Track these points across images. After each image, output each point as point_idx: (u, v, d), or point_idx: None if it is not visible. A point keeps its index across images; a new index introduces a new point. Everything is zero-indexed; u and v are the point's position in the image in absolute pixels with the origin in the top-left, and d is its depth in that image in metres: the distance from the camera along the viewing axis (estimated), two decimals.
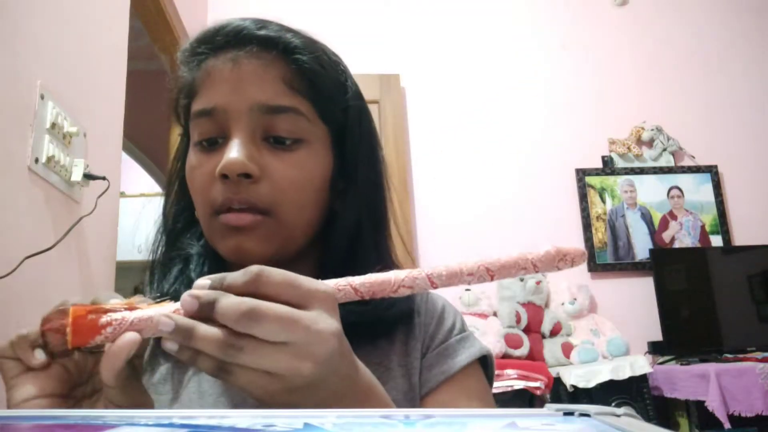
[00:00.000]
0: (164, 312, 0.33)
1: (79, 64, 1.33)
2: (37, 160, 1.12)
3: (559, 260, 0.38)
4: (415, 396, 0.55)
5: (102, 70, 1.47)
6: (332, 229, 0.56)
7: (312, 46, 0.54)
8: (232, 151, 0.50)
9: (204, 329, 0.32)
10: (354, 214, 0.56)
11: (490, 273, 0.38)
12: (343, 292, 0.37)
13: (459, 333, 0.60)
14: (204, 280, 0.34)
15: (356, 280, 0.37)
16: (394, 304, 0.56)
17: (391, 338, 0.57)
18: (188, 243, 0.58)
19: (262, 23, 0.54)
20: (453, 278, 0.38)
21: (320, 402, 0.35)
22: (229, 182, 0.50)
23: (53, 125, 1.17)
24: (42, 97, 1.14)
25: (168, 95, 0.59)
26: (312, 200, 0.54)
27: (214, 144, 0.53)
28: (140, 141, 3.61)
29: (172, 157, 0.62)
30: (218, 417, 0.25)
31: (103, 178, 1.31)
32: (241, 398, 0.52)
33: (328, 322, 0.34)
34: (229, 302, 0.32)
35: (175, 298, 0.47)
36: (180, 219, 0.60)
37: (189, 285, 0.54)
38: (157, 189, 4.21)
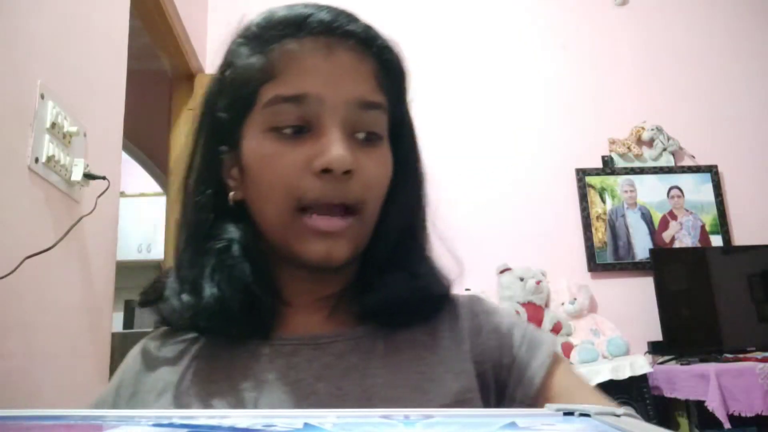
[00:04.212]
0: None
1: (79, 64, 1.33)
2: (37, 160, 1.12)
3: None
4: (467, 398, 0.50)
5: (102, 70, 1.47)
6: (384, 223, 0.55)
7: (398, 48, 0.55)
8: (337, 147, 0.48)
9: None
10: (406, 207, 0.57)
11: None
12: None
13: (520, 343, 0.55)
14: None
15: None
16: (435, 282, 0.57)
17: (434, 333, 0.55)
18: (224, 230, 0.54)
19: (351, 16, 0.53)
20: None
21: None
22: (329, 178, 0.48)
23: (53, 125, 1.17)
24: (42, 96, 1.14)
25: (223, 79, 0.54)
26: (382, 198, 0.54)
27: (299, 132, 0.50)
28: (140, 141, 3.61)
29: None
30: (218, 417, 0.25)
31: (103, 178, 1.31)
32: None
33: None
34: None
35: (220, 297, 0.50)
36: (208, 208, 0.54)
37: (230, 279, 0.51)
38: (158, 189, 4.21)
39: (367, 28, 0.53)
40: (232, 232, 0.54)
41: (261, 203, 0.52)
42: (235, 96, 0.53)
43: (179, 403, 0.50)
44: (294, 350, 0.52)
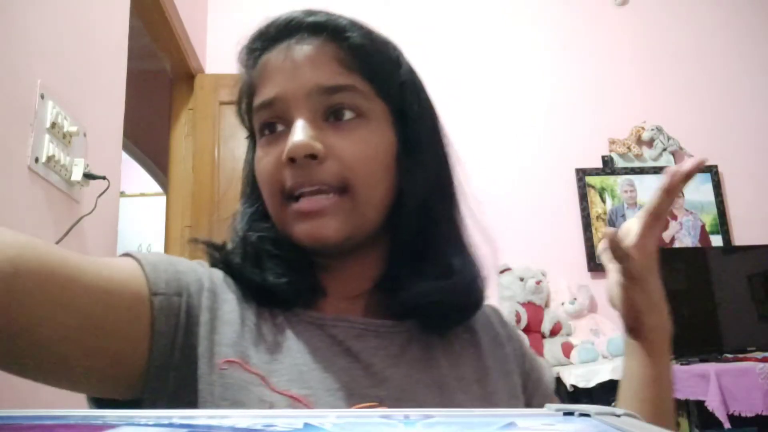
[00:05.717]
0: None
1: (79, 64, 1.33)
2: (37, 160, 1.12)
3: None
4: (517, 394, 0.58)
5: (102, 70, 1.47)
6: (402, 209, 0.55)
7: (360, 25, 0.56)
8: (297, 134, 0.50)
9: None
10: (422, 190, 0.55)
11: None
12: None
13: (532, 356, 0.65)
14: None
15: None
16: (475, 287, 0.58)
17: (473, 333, 0.60)
18: (263, 233, 0.56)
19: (310, 11, 0.55)
20: None
21: None
22: (297, 166, 0.50)
23: (53, 125, 1.17)
24: (42, 96, 1.14)
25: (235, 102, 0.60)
26: (381, 178, 0.53)
27: (274, 131, 0.53)
28: (140, 141, 3.61)
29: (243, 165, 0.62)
30: (218, 417, 0.25)
31: (103, 178, 1.31)
32: (328, 362, 0.50)
33: None
34: None
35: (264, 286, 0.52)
36: (254, 217, 0.58)
37: (278, 271, 0.53)
38: (158, 189, 4.22)
39: (322, 17, 0.54)
40: (270, 231, 0.56)
41: (267, 204, 0.55)
42: (243, 118, 0.59)
43: (252, 356, 0.49)
44: (360, 333, 0.53)
